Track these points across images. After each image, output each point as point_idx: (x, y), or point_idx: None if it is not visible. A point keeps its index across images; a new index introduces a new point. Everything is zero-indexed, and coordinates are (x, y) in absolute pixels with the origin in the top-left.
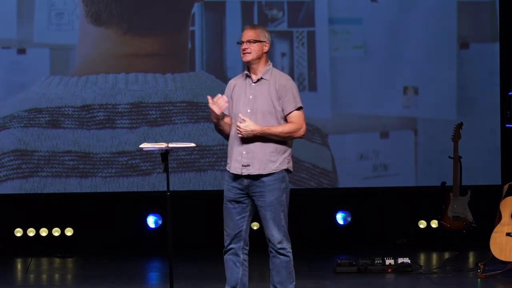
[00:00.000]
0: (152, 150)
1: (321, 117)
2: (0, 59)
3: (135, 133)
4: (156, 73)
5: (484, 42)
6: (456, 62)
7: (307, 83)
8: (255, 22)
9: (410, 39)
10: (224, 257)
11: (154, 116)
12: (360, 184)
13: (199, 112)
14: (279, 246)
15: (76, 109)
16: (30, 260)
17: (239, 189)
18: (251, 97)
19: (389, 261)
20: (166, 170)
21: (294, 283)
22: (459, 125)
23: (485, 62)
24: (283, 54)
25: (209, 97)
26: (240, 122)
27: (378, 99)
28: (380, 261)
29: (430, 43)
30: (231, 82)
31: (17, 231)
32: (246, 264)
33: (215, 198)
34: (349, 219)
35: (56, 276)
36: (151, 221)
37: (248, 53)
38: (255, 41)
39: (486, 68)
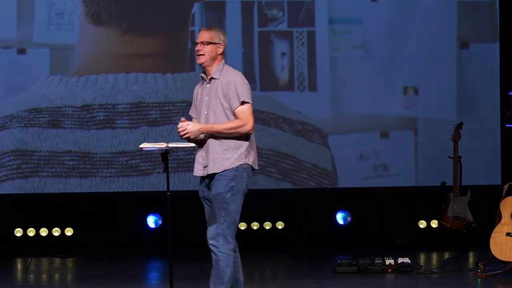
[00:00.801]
0: (152, 150)
1: (321, 117)
2: (0, 59)
3: (135, 133)
4: (156, 73)
5: (484, 42)
6: (456, 62)
7: (307, 83)
8: (255, 22)
9: (410, 39)
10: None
11: (154, 116)
12: (360, 184)
13: None
14: (210, 241)
15: (76, 109)
16: (30, 260)
17: (206, 187)
18: (206, 98)
19: (389, 261)
20: (166, 170)
21: (224, 285)
22: (459, 125)
23: (485, 62)
24: (283, 54)
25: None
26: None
27: (378, 99)
28: (380, 261)
29: (430, 43)
30: (196, 89)
31: (17, 231)
32: (238, 261)
33: None
34: (349, 219)
35: (56, 276)
36: (151, 221)
37: (201, 55)
38: (209, 43)
39: (486, 68)
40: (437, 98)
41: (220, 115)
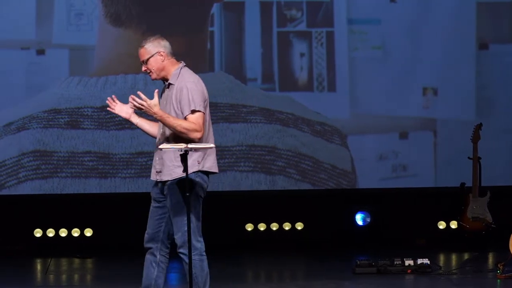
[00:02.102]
0: None
1: (340, 117)
2: (19, 60)
3: None
4: None
5: (503, 43)
6: (475, 63)
7: (326, 84)
8: (274, 22)
9: (429, 40)
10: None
11: None
12: (379, 185)
13: (218, 112)
14: (179, 250)
15: (95, 110)
16: (49, 260)
17: (158, 189)
18: (164, 102)
19: (409, 262)
20: (185, 170)
21: None
22: (479, 126)
23: (504, 62)
24: (302, 55)
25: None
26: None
27: (397, 99)
28: (400, 261)
29: (449, 43)
30: (161, 90)
31: (37, 232)
32: (163, 266)
33: (234, 199)
34: (368, 219)
35: (76, 276)
36: None
37: (150, 74)
38: (148, 59)
39: (505, 68)
40: (456, 99)
41: None
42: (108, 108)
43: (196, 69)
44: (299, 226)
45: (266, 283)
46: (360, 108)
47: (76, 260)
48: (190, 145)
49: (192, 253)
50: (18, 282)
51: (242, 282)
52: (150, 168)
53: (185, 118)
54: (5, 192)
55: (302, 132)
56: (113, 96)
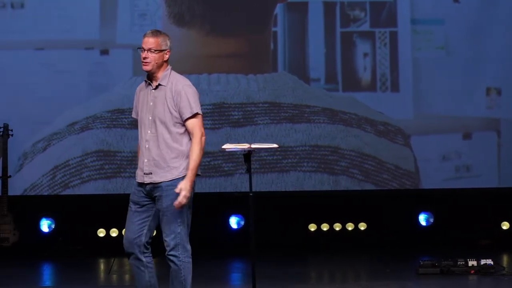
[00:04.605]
0: (234, 151)
1: (403, 117)
2: (83, 60)
3: (218, 133)
4: (238, 74)
5: None
6: None
7: (390, 84)
8: (338, 22)
9: (492, 40)
10: (129, 261)
11: (236, 117)
12: (442, 185)
13: (281, 112)
14: (170, 252)
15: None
16: (113, 260)
17: (143, 193)
18: (151, 103)
19: (472, 262)
20: (248, 170)
21: None
22: None
23: None
24: (365, 55)
25: None
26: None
27: (460, 100)
28: (463, 262)
29: None
30: (137, 90)
31: (100, 232)
32: (151, 265)
33: (297, 199)
34: (431, 220)
35: None
36: (233, 221)
37: (148, 62)
38: (156, 51)
39: None
40: None
41: (166, 124)
42: None
43: (259, 70)
44: (362, 226)
45: (329, 283)
46: (423, 108)
47: None
48: (253, 145)
49: (184, 256)
50: (82, 282)
51: (305, 283)
52: (213, 168)
53: (185, 121)
54: (68, 192)
55: (365, 132)
56: None
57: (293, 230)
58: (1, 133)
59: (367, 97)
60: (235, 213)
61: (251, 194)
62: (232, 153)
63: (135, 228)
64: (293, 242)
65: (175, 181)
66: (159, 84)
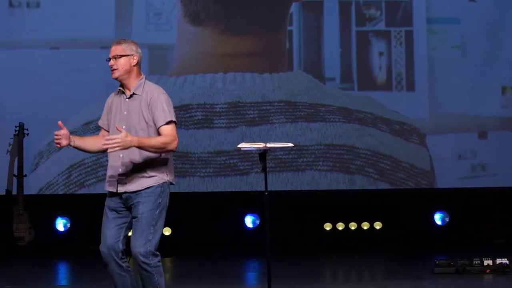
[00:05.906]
0: (250, 150)
1: (419, 117)
2: (99, 59)
3: (233, 132)
4: (253, 73)
5: None
6: None
7: (405, 83)
8: (353, 21)
9: (508, 39)
10: (108, 269)
11: (252, 116)
12: (457, 185)
13: (296, 111)
14: (142, 259)
15: (174, 109)
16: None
17: (119, 200)
18: (125, 112)
19: (488, 262)
20: (264, 170)
21: None
22: None
23: None
24: (380, 54)
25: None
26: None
27: (476, 99)
28: (479, 261)
29: None
30: (108, 99)
31: None
32: (130, 269)
33: (312, 198)
34: (447, 219)
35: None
36: (248, 220)
37: (114, 69)
38: (121, 56)
39: None
40: None
41: (142, 133)
42: (56, 142)
43: (274, 69)
44: (378, 225)
45: (345, 282)
46: (439, 107)
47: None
48: (269, 144)
49: (154, 261)
50: (97, 281)
51: (320, 282)
52: (229, 167)
53: (159, 129)
54: (84, 190)
55: (380, 131)
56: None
57: (309, 229)
58: (16, 132)
59: (383, 96)
60: (250, 212)
61: (266, 193)
62: (247, 152)
63: (113, 234)
64: (309, 241)
65: (152, 188)
66: (134, 93)
